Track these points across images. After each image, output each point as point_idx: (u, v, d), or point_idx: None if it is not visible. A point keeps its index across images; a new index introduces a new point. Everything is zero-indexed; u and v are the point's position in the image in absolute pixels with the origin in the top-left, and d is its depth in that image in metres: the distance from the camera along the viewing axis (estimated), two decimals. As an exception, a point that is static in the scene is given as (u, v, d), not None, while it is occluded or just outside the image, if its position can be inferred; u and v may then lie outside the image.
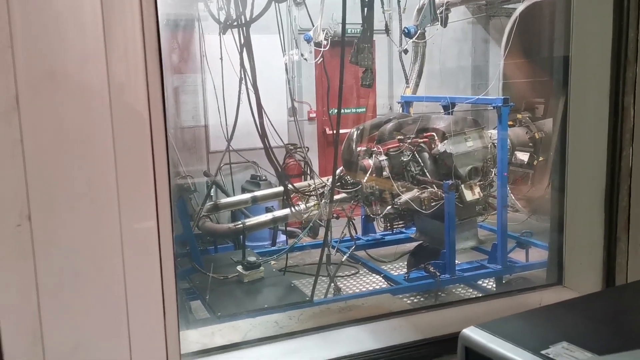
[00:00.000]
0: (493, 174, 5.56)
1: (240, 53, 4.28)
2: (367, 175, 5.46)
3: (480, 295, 5.52)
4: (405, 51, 6.52)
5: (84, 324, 1.34)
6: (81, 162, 1.29)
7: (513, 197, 6.06)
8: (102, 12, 1.27)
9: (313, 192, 5.60)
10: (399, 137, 5.64)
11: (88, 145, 1.29)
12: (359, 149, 5.66)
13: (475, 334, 1.20)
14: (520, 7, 6.23)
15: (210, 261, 5.25)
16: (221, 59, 5.63)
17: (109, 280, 1.34)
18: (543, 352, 1.12)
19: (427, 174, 5.45)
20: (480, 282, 5.80)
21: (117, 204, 1.32)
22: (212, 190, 6.49)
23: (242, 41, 4.17)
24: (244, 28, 4.15)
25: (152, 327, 1.38)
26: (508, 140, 5.58)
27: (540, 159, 5.69)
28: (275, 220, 5.80)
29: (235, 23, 4.24)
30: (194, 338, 1.95)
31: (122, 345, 1.36)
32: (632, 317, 1.31)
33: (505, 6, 8.36)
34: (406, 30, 6.31)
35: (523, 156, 5.80)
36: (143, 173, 1.35)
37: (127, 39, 1.30)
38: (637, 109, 1.88)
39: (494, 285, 5.70)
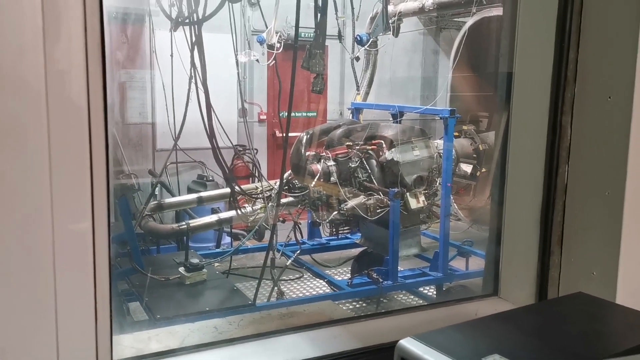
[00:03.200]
0: (437, 184, 5.67)
1: (191, 51, 4.20)
2: (315, 180, 5.48)
3: (421, 302, 5.62)
4: (357, 58, 6.58)
5: (10, 328, 1.28)
6: (13, 157, 1.23)
7: (456, 207, 6.21)
8: (42, 3, 1.22)
9: (260, 195, 5.55)
10: (347, 143, 5.68)
11: (21, 139, 1.24)
12: (307, 153, 5.66)
13: (411, 345, 1.22)
14: (470, 22, 6.38)
15: (151, 262, 5.13)
16: (171, 56, 5.52)
17: (38, 283, 1.29)
18: (476, 364, 1.14)
19: (373, 180, 5.51)
20: (422, 289, 5.90)
21: (50, 203, 1.27)
22: (157, 189, 6.35)
23: (194, 39, 4.10)
24: (196, 26, 4.08)
25: (83, 332, 1.33)
26: (453, 150, 5.72)
27: (483, 170, 5.85)
28: (220, 222, 5.73)
29: (187, 20, 4.17)
30: (129, 343, 1.89)
31: (50, 352, 1.30)
32: (562, 331, 1.36)
33: (455, 19, 8.54)
34: (358, 38, 6.37)
35: (466, 167, 5.94)
36: (79, 171, 1.30)
37: (68, 30, 1.25)
38: (574, 128, 1.95)
39: (435, 293, 5.81)
